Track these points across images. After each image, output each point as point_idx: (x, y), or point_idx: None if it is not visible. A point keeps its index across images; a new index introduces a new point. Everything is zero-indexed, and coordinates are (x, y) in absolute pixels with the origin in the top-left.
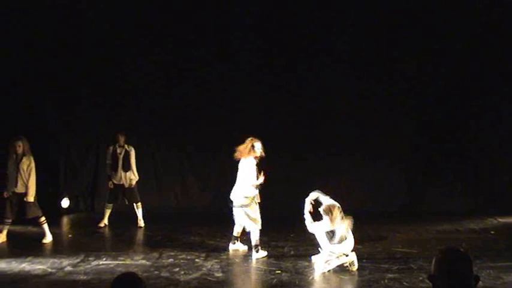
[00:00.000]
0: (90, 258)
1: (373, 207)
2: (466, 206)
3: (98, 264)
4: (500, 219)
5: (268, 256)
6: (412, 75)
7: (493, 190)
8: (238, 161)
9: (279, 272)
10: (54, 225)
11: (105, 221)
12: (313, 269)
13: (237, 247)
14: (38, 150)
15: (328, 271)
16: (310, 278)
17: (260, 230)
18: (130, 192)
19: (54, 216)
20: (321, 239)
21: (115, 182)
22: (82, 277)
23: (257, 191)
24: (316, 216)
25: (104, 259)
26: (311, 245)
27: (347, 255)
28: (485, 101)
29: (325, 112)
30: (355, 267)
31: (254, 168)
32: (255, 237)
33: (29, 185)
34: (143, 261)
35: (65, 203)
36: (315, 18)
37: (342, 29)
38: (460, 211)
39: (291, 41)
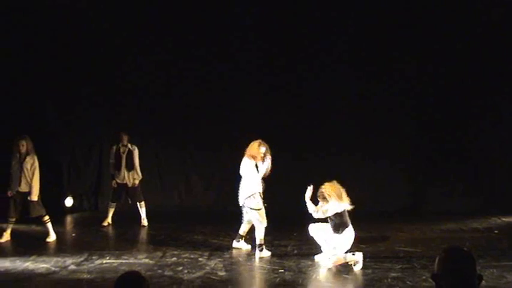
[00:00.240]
0: (93, 257)
1: (375, 208)
2: (468, 205)
3: (102, 263)
4: (503, 219)
5: (271, 255)
6: (412, 75)
7: (494, 190)
8: (240, 161)
9: (282, 271)
10: (57, 224)
11: (109, 220)
12: (316, 268)
13: (240, 245)
14: (40, 149)
15: (331, 268)
16: (314, 277)
17: (265, 228)
18: (133, 192)
19: (58, 215)
20: (325, 232)
21: (118, 181)
22: (86, 276)
23: (261, 187)
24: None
25: (108, 258)
26: (314, 244)
27: (353, 254)
28: (486, 101)
29: (325, 112)
30: (359, 267)
31: (254, 168)
32: (259, 236)
33: (32, 184)
34: (147, 260)
35: (69, 202)
36: (315, 18)
37: (342, 29)
38: (463, 211)
39: (291, 41)
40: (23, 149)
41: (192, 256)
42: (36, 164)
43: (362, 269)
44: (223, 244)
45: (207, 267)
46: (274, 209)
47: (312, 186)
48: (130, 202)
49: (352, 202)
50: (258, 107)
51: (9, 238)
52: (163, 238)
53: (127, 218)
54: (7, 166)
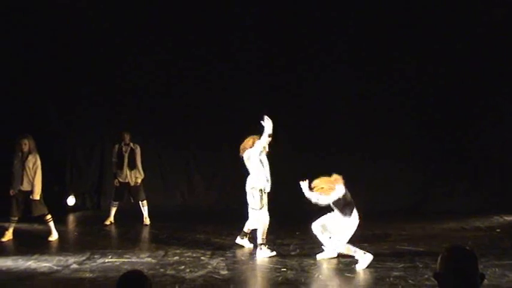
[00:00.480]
0: (95, 256)
1: (376, 207)
2: (469, 204)
3: (104, 262)
4: (505, 217)
5: (273, 254)
6: (412, 75)
7: (495, 189)
8: (242, 160)
9: (285, 269)
10: (60, 223)
11: (111, 219)
12: (319, 267)
13: (243, 243)
14: (41, 149)
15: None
16: (316, 276)
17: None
18: (136, 190)
19: (60, 214)
20: (328, 227)
21: (121, 180)
22: (88, 275)
23: (266, 182)
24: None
25: (110, 257)
26: (317, 243)
27: (365, 253)
28: (486, 101)
29: (325, 112)
30: (361, 267)
31: (258, 158)
32: (259, 235)
33: (34, 183)
34: (149, 259)
35: (71, 201)
36: (315, 18)
37: (342, 29)
38: (464, 210)
39: (291, 41)
40: (25, 148)
41: (194, 255)
42: (39, 162)
43: (365, 267)
44: (226, 243)
45: (209, 266)
46: (276, 208)
47: (305, 181)
48: (132, 201)
49: (354, 202)
50: (258, 107)
51: (11, 237)
52: (166, 237)
53: (129, 217)
54: (9, 165)
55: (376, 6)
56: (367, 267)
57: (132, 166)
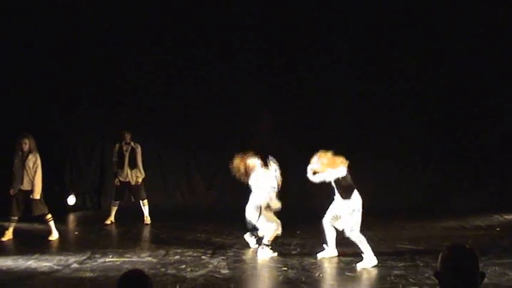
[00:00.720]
0: (96, 256)
1: (376, 206)
2: (470, 204)
3: (105, 262)
4: (505, 216)
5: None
6: (412, 75)
7: (495, 188)
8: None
9: (286, 269)
10: (60, 222)
11: (112, 218)
12: (320, 266)
13: (249, 240)
14: (42, 149)
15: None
16: (317, 275)
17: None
18: (136, 190)
19: (61, 213)
20: (338, 220)
21: (121, 179)
22: (88, 274)
23: (269, 197)
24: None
25: (111, 256)
26: (317, 243)
27: (373, 255)
28: (486, 101)
29: (325, 112)
30: (362, 266)
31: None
32: (267, 237)
33: (35, 182)
34: (150, 259)
35: (71, 200)
36: (315, 18)
37: (342, 29)
38: (465, 209)
39: (291, 41)
40: (26, 147)
41: (195, 254)
42: (39, 162)
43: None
44: (226, 242)
45: (210, 266)
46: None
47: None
48: (133, 200)
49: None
50: (258, 107)
51: (11, 237)
52: (166, 236)
53: (130, 217)
54: (9, 165)
55: (376, 6)
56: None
57: (133, 165)
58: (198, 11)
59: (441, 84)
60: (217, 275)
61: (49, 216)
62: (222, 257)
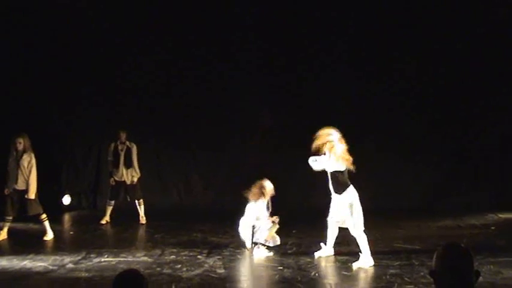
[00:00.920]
0: (91, 255)
1: (373, 206)
2: (467, 203)
3: (100, 261)
4: (500, 215)
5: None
6: (412, 75)
7: (495, 188)
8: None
9: (281, 268)
10: (55, 222)
11: (107, 218)
12: (316, 265)
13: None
14: (41, 149)
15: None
16: (313, 274)
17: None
18: (132, 189)
19: (56, 213)
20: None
21: (117, 178)
22: (84, 274)
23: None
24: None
25: (106, 256)
26: (313, 242)
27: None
28: (487, 101)
29: (325, 112)
30: (358, 266)
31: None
32: (263, 236)
33: (29, 181)
34: (145, 258)
35: (66, 200)
36: (315, 18)
37: (342, 29)
38: (461, 208)
39: (291, 41)
40: (20, 147)
41: (190, 254)
42: (33, 161)
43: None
44: (222, 242)
45: (206, 265)
46: (275, 207)
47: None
48: (129, 200)
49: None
50: (258, 107)
51: (6, 236)
52: (162, 236)
53: (125, 216)
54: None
55: (376, 6)
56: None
57: (129, 165)
58: (198, 11)
59: (441, 84)
60: (213, 275)
61: (44, 216)
62: (218, 257)
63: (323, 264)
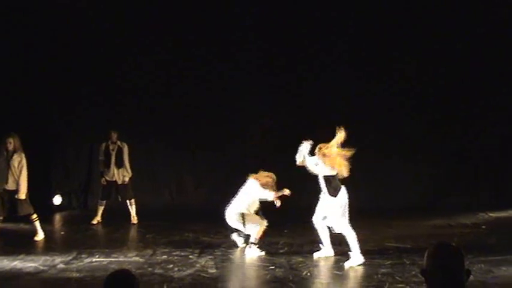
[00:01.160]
0: (83, 256)
1: (367, 204)
2: (458, 201)
3: (91, 262)
4: (491, 214)
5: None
6: (412, 75)
7: (486, 187)
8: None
9: (273, 267)
10: (46, 222)
11: (98, 218)
12: (308, 264)
13: (237, 240)
14: (42, 149)
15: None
16: (304, 273)
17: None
18: (123, 189)
19: (46, 213)
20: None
21: (108, 178)
22: (75, 274)
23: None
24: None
25: (97, 256)
26: (305, 242)
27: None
28: (487, 101)
29: (325, 112)
30: (350, 265)
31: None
32: (254, 236)
33: (20, 182)
34: (137, 258)
35: (57, 200)
36: (315, 18)
37: (342, 29)
38: (452, 206)
39: (291, 41)
40: (10, 147)
41: (182, 254)
42: (24, 161)
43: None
44: (214, 242)
45: (198, 265)
46: (265, 207)
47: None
48: (120, 200)
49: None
50: (258, 107)
51: None
52: (154, 236)
53: (117, 216)
54: None
55: (376, 6)
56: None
57: (120, 165)
58: (198, 11)
59: (441, 84)
60: (204, 275)
61: (35, 216)
62: (210, 257)
63: (315, 263)
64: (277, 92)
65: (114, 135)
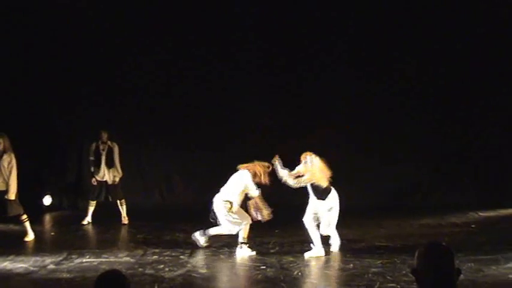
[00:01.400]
0: (73, 256)
1: (358, 203)
2: (449, 200)
3: (82, 262)
4: (481, 213)
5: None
6: (412, 75)
7: (476, 186)
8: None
9: (264, 267)
10: (36, 223)
11: (89, 218)
12: (298, 264)
13: (199, 240)
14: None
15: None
16: (295, 273)
17: (250, 225)
18: (114, 189)
19: (36, 214)
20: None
21: (98, 178)
22: (65, 275)
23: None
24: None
25: (88, 257)
26: (296, 241)
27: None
28: (487, 101)
29: (325, 112)
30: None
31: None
32: (242, 234)
33: (10, 182)
34: (127, 259)
35: (47, 200)
36: (315, 18)
37: (342, 29)
38: (442, 205)
39: (291, 41)
40: (0, 147)
41: (173, 254)
42: (14, 162)
43: (343, 264)
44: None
45: (189, 265)
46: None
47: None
48: (110, 200)
49: (343, 198)
50: (258, 107)
51: None
52: (144, 236)
53: (107, 216)
54: None
55: (376, 6)
56: (345, 264)
57: (110, 165)
58: (198, 11)
59: (441, 84)
60: (195, 275)
61: (24, 216)
62: (201, 257)
63: (306, 263)
64: (277, 92)
65: (105, 135)
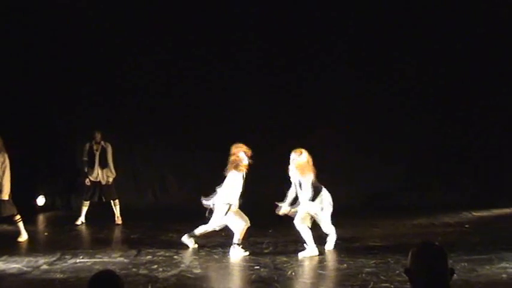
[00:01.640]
0: (66, 257)
1: (352, 202)
2: (442, 200)
3: (75, 263)
4: (474, 213)
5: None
6: (412, 75)
7: (470, 186)
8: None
9: (258, 267)
10: (29, 223)
11: (82, 218)
12: (292, 264)
13: (188, 243)
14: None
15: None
16: (289, 273)
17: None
18: (107, 190)
19: (30, 214)
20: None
21: (92, 179)
22: (59, 275)
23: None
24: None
25: (81, 257)
26: (290, 241)
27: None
28: (487, 101)
29: (325, 112)
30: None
31: (238, 181)
32: (237, 235)
33: (3, 182)
34: (121, 259)
35: (41, 201)
36: (315, 18)
37: (342, 29)
38: (435, 205)
39: (291, 41)
40: None
41: (167, 254)
42: (7, 162)
43: (337, 264)
44: (198, 242)
45: (182, 265)
46: (250, 207)
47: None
48: (104, 200)
49: (337, 197)
50: (258, 107)
51: None
52: (138, 236)
53: (101, 217)
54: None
55: (376, 6)
56: (339, 264)
57: (104, 165)
58: (198, 11)
59: (441, 84)
60: (189, 275)
61: (18, 217)
62: (194, 257)
63: (299, 263)
64: (277, 92)
65: (98, 136)
